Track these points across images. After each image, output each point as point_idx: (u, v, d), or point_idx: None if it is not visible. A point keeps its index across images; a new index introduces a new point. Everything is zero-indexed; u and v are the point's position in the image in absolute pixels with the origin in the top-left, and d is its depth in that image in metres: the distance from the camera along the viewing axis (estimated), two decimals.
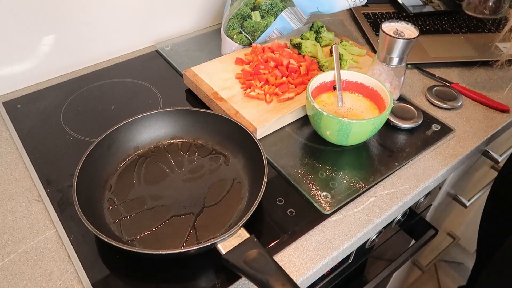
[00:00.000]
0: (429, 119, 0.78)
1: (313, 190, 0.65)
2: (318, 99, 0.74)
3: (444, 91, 0.84)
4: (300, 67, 0.81)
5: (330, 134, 0.68)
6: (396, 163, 0.70)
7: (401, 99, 0.83)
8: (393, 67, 0.75)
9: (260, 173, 0.59)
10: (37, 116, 0.79)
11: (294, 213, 0.62)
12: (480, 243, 0.93)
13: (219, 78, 0.81)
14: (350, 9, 1.09)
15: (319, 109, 0.65)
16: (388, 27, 0.76)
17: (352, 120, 0.64)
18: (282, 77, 0.79)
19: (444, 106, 0.81)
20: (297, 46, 0.87)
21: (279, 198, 0.64)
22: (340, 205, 0.63)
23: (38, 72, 0.86)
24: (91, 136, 0.74)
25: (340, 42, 0.89)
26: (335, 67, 0.73)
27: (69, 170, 0.67)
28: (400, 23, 0.76)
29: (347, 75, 0.74)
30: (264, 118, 0.73)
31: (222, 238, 0.52)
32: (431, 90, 0.84)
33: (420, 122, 0.76)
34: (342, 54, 0.84)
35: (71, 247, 0.57)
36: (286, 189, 0.66)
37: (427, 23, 1.05)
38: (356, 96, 0.75)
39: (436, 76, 0.89)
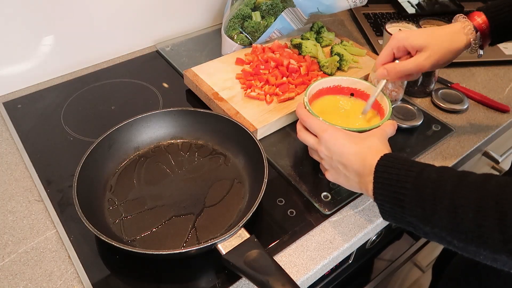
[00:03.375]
0: (429, 119, 0.78)
1: (313, 191, 0.65)
2: (325, 102, 0.73)
3: (450, 94, 0.84)
4: (301, 68, 0.81)
5: None
6: None
7: (402, 99, 0.83)
8: None
9: (261, 174, 0.59)
10: (37, 116, 0.79)
11: (294, 214, 0.62)
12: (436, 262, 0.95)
13: (219, 78, 0.81)
14: (350, 9, 1.08)
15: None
16: (391, 27, 0.76)
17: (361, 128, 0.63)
18: (282, 77, 0.79)
19: (450, 109, 0.81)
20: (298, 46, 0.87)
21: (280, 199, 0.64)
22: (340, 206, 0.63)
23: (38, 72, 0.86)
24: (92, 136, 0.74)
25: (341, 42, 0.89)
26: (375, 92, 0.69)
27: (69, 170, 0.67)
28: (403, 23, 0.76)
29: (340, 81, 0.73)
30: (265, 118, 0.73)
31: (223, 238, 0.52)
32: (437, 93, 0.83)
33: (420, 122, 0.76)
34: (342, 54, 0.84)
35: (72, 247, 0.57)
36: (286, 190, 0.66)
37: None
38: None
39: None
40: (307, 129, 0.61)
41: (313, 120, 0.60)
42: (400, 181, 0.48)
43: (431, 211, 0.45)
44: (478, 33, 0.64)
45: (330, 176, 0.59)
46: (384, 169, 0.50)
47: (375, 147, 0.54)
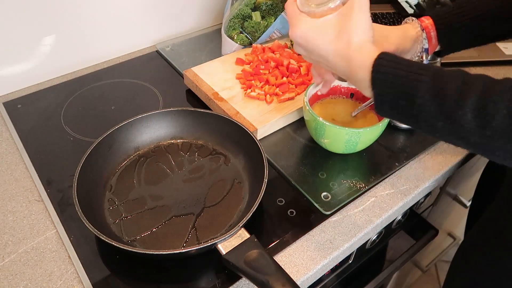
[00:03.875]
0: None
1: (313, 191, 0.65)
2: (327, 103, 0.73)
3: None
4: (301, 67, 0.81)
5: (338, 144, 0.67)
6: (397, 163, 0.70)
7: None
8: None
9: (261, 174, 0.59)
10: (37, 116, 0.79)
11: (294, 214, 0.62)
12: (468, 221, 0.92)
13: (219, 79, 0.81)
14: None
15: (326, 123, 0.63)
16: None
17: (360, 129, 0.63)
18: (282, 77, 0.79)
19: None
20: None
21: (280, 199, 0.64)
22: (340, 206, 0.63)
23: (38, 72, 0.86)
24: (92, 136, 0.74)
25: None
26: None
27: (69, 171, 0.67)
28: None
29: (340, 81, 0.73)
30: (265, 118, 0.73)
31: (223, 238, 0.52)
32: None
33: None
34: None
35: (72, 247, 0.57)
36: (286, 190, 0.66)
37: None
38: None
39: None
40: None
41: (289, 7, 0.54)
42: (412, 73, 0.45)
43: (454, 107, 0.42)
44: (424, 34, 0.63)
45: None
46: (390, 58, 0.47)
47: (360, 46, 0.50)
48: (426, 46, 0.64)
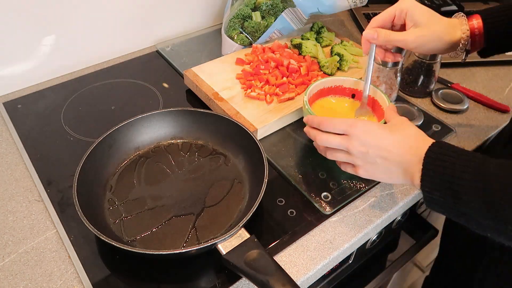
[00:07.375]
0: (429, 120, 0.78)
1: (313, 191, 0.65)
2: (328, 103, 0.73)
3: (450, 94, 0.84)
4: (301, 68, 0.81)
5: None
6: None
7: (402, 99, 0.83)
8: (389, 68, 0.75)
9: (261, 174, 0.59)
10: (37, 116, 0.79)
11: (294, 214, 0.62)
12: (443, 232, 0.93)
13: (219, 79, 0.81)
14: (350, 9, 1.08)
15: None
16: None
17: None
18: (282, 77, 0.79)
19: (450, 109, 0.81)
20: (298, 47, 0.87)
21: (280, 199, 0.64)
22: (340, 206, 0.63)
23: (38, 72, 0.86)
24: (92, 137, 0.74)
25: (341, 43, 0.89)
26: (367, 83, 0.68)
27: (69, 171, 0.67)
28: None
29: (342, 81, 0.73)
30: (265, 118, 0.73)
31: (223, 238, 0.52)
32: (437, 93, 0.83)
33: (420, 122, 0.76)
34: (342, 55, 0.84)
35: (72, 247, 0.57)
36: (286, 190, 0.66)
37: None
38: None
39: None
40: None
41: (334, 120, 0.56)
42: (457, 170, 0.46)
43: (497, 204, 0.43)
44: (469, 36, 0.63)
45: (364, 172, 0.56)
46: (437, 156, 0.48)
47: (420, 134, 0.52)
48: (468, 48, 0.64)
